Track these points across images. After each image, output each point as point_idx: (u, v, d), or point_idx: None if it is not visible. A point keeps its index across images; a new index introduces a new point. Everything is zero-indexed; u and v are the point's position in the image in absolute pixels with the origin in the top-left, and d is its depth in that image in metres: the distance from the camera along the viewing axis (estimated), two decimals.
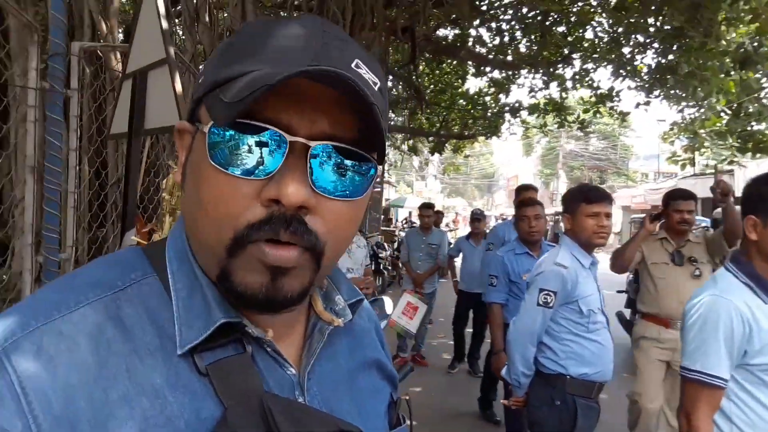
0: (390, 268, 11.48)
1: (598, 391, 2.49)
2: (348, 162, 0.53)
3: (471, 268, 5.96)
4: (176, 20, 6.36)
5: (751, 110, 15.39)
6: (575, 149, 38.80)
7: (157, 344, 0.52)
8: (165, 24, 2.19)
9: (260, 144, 0.50)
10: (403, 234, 11.15)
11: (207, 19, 5.97)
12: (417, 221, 9.78)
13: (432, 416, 4.76)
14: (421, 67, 12.01)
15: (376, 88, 0.54)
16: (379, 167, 0.58)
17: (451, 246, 6.71)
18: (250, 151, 0.50)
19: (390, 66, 9.45)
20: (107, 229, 4.07)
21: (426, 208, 6.56)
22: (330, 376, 0.63)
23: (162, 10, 2.21)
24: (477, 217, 6.42)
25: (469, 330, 6.17)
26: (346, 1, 5.46)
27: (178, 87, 2.06)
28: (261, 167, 0.51)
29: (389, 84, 10.93)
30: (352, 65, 0.52)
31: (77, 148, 2.64)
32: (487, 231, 6.33)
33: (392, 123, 14.87)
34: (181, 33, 6.35)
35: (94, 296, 0.52)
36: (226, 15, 6.21)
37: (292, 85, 0.49)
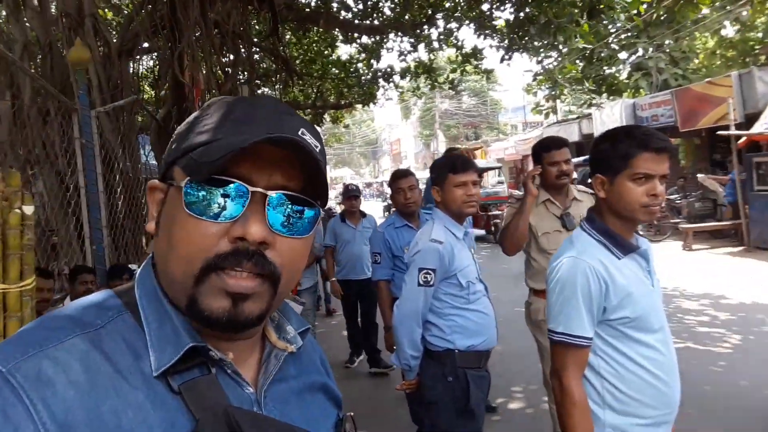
0: None
1: (485, 359, 2.50)
2: (297, 207, 0.67)
3: (352, 253, 5.45)
4: None
5: (603, 55, 16.74)
6: (450, 108, 40.06)
7: (136, 368, 0.61)
8: None
9: (227, 194, 0.63)
10: None
11: (36, 2, 5.27)
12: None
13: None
14: (287, 37, 11.58)
15: (317, 150, 0.68)
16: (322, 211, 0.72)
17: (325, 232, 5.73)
18: (219, 200, 0.63)
19: (253, 38, 8.96)
20: None
21: (352, 195, 5.70)
22: (282, 396, 0.73)
23: None
24: (353, 194, 5.62)
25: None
26: None
27: None
28: (228, 212, 0.63)
29: (255, 57, 10.41)
30: (299, 132, 0.66)
31: None
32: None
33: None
34: (5, 21, 5.58)
35: (80, 331, 0.60)
36: None
37: (253, 149, 0.62)
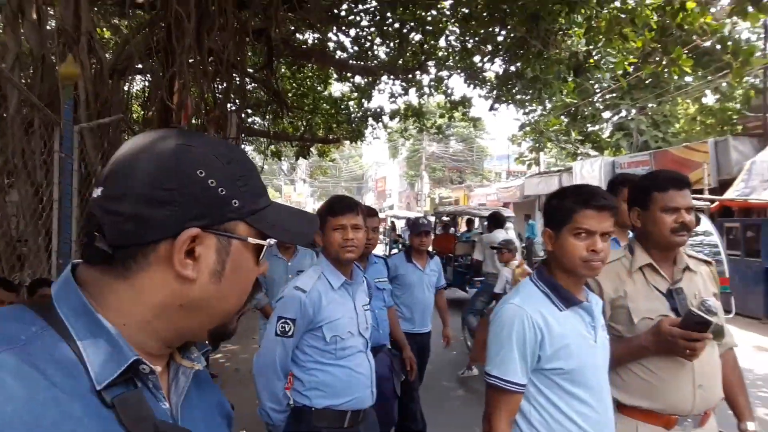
0: None
1: (354, 419, 2.31)
2: None
3: (417, 299, 4.39)
4: None
5: (587, 113, 17.26)
6: (437, 151, 40.64)
7: (69, 383, 0.61)
8: None
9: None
10: None
11: (34, 15, 5.31)
12: None
13: None
14: (282, 70, 11.77)
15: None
16: None
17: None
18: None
19: (247, 68, 9.09)
20: None
21: None
22: (190, 411, 0.78)
23: None
24: (425, 229, 4.55)
25: None
26: (191, 2, 5.11)
27: None
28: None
29: (248, 87, 10.54)
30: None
31: None
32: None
33: (255, 126, 14.41)
34: (1, 31, 5.61)
35: (7, 346, 0.59)
36: (54, 12, 5.56)
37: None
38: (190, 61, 6.02)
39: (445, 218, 13.85)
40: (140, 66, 7.22)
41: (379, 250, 18.57)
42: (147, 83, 8.18)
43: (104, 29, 8.58)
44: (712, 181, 11.37)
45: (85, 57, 5.21)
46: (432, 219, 12.11)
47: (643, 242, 2.07)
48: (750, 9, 5.24)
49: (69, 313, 0.67)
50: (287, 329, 2.24)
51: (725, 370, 2.04)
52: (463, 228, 13.30)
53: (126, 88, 7.27)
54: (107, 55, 6.24)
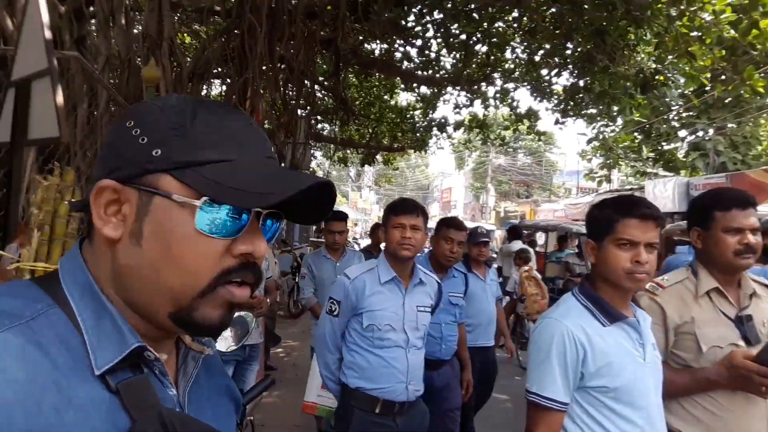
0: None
1: (387, 408, 2.43)
2: (275, 221, 0.74)
3: (481, 311, 4.13)
4: (91, 21, 6.17)
5: (661, 131, 16.61)
6: (504, 164, 40.13)
7: (73, 366, 0.60)
8: (48, 34, 2.13)
9: (234, 213, 0.66)
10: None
11: (123, 21, 5.83)
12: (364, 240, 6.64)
13: None
14: (351, 79, 12.13)
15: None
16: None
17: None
18: (228, 218, 0.66)
19: (317, 76, 9.47)
20: None
21: (334, 219, 4.36)
22: (199, 397, 0.76)
23: (45, 18, 2.16)
24: (484, 239, 4.27)
25: None
26: (263, 10, 5.46)
27: (59, 100, 2.01)
28: (233, 229, 0.66)
29: (317, 95, 10.95)
30: (271, 150, 0.73)
31: None
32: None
33: (323, 132, 14.88)
34: (95, 35, 6.16)
35: (10, 323, 0.58)
36: (140, 17, 6.07)
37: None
38: (263, 68, 6.40)
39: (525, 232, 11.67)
40: (217, 71, 7.69)
41: None
42: (224, 88, 8.71)
43: (185, 35, 9.18)
44: None
45: (167, 61, 5.66)
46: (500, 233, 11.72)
47: (706, 265, 1.95)
48: None
49: (75, 291, 0.66)
50: (333, 309, 2.52)
51: None
52: (550, 246, 11.43)
53: (204, 92, 7.79)
54: (187, 60, 6.72)
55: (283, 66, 7.32)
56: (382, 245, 3.11)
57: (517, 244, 9.12)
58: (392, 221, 2.52)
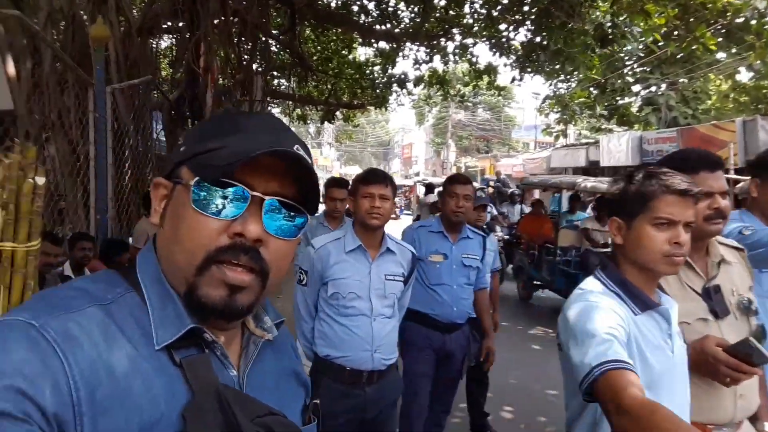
0: None
1: (354, 377, 2.46)
2: (288, 212, 0.76)
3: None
4: None
5: (615, 86, 16.94)
6: (463, 119, 40.24)
7: (144, 341, 0.70)
8: None
9: (230, 196, 0.72)
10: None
11: None
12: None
13: None
14: (306, 33, 11.82)
15: (309, 163, 0.77)
16: (310, 217, 0.81)
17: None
18: (222, 200, 0.72)
19: (271, 30, 9.19)
20: None
21: (336, 186, 4.22)
22: (260, 379, 0.82)
23: None
24: (482, 203, 4.23)
25: None
26: None
27: (11, 71, 1.93)
28: (230, 212, 0.72)
29: (272, 49, 10.66)
30: (294, 148, 0.75)
31: None
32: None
33: (280, 89, 14.57)
34: None
35: (95, 302, 0.69)
36: None
37: (256, 158, 0.71)
38: (215, 22, 6.19)
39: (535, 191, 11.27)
40: (167, 26, 7.39)
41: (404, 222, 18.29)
42: (174, 42, 8.38)
43: None
44: (739, 161, 11.18)
45: (114, 16, 5.41)
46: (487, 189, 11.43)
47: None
48: None
49: (147, 280, 0.76)
50: (302, 278, 2.55)
51: None
52: (563, 207, 9.65)
53: (153, 46, 7.49)
54: (134, 15, 6.42)
55: (235, 20, 7.08)
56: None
57: (432, 197, 10.33)
58: (362, 191, 2.52)
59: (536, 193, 12.85)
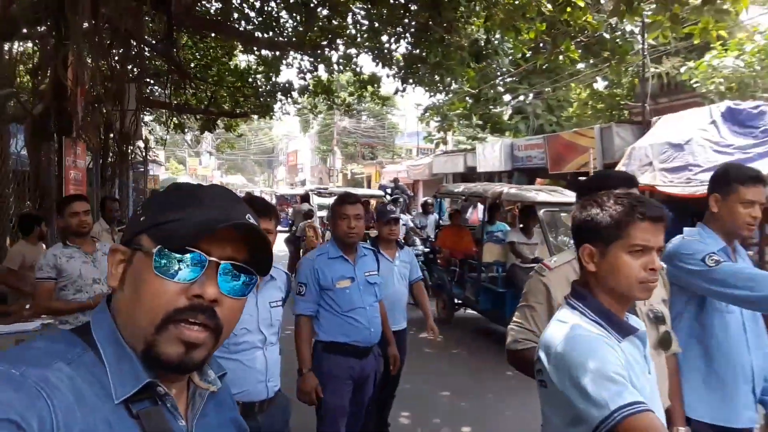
0: None
1: (247, 410, 2.38)
2: (240, 275, 0.85)
3: (387, 294, 3.84)
4: None
5: (489, 96, 18.06)
6: (348, 127, 40.67)
7: (103, 394, 0.76)
8: None
9: (189, 261, 0.80)
10: None
11: None
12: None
13: None
14: (184, 39, 11.31)
15: (262, 231, 0.86)
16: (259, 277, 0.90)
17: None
18: (182, 265, 0.80)
19: (145, 37, 8.70)
20: None
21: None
22: (205, 429, 0.90)
23: None
24: (393, 217, 4.21)
25: None
26: None
27: None
28: (188, 275, 0.80)
29: (146, 56, 10.08)
30: (246, 217, 0.85)
31: None
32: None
33: (156, 97, 13.80)
34: None
35: (60, 359, 0.75)
36: None
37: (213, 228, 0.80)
38: (83, 26, 5.73)
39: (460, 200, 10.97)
40: (26, 31, 6.73)
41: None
42: (33, 49, 7.64)
43: None
44: (598, 165, 12.36)
45: None
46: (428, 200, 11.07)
47: None
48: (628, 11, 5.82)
49: (102, 340, 0.82)
50: None
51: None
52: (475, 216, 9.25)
53: (11, 54, 6.77)
54: None
55: (106, 26, 6.61)
56: None
57: (306, 206, 13.40)
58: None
59: (447, 202, 13.21)
